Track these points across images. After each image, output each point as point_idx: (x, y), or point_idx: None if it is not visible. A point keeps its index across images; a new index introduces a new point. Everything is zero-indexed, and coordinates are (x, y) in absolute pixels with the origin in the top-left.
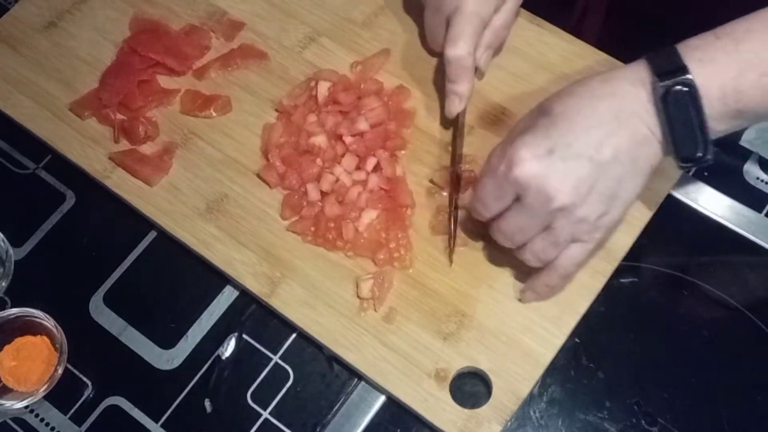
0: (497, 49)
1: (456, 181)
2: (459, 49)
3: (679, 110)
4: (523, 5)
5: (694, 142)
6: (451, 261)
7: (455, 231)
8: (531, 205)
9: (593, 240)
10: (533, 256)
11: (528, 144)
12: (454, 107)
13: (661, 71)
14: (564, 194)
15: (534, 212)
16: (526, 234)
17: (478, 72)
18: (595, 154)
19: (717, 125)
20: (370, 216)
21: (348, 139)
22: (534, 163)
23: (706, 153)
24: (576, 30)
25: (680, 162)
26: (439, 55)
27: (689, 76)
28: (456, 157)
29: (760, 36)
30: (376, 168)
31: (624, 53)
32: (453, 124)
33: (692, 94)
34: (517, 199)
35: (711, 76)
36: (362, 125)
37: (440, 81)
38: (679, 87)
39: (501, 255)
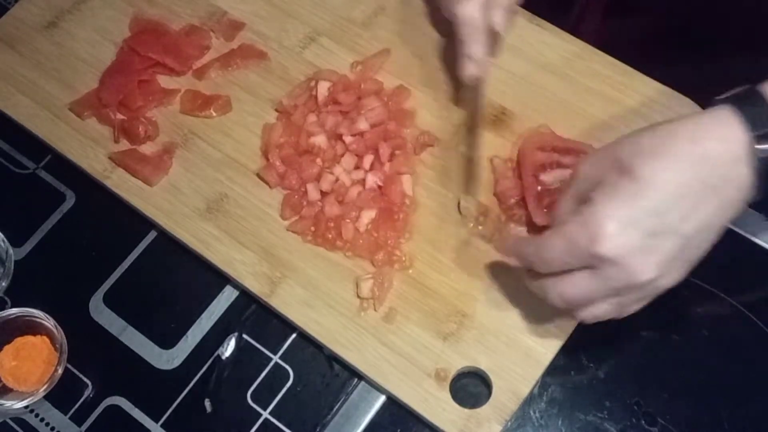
0: (513, 11)
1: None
2: (469, 6)
3: None
4: (523, 5)
5: None
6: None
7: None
8: (608, 278)
9: (653, 297)
10: (590, 316)
11: (612, 216)
12: (468, 69)
13: (759, 132)
14: (649, 272)
15: (609, 284)
16: (591, 300)
17: (495, 37)
18: (681, 226)
19: None
20: (369, 216)
21: (348, 139)
22: (620, 239)
23: None
24: (575, 30)
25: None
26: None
27: None
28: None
29: None
30: (374, 167)
31: (623, 53)
32: (470, 102)
33: None
34: (589, 266)
35: None
36: (362, 125)
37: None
38: None
39: (501, 255)
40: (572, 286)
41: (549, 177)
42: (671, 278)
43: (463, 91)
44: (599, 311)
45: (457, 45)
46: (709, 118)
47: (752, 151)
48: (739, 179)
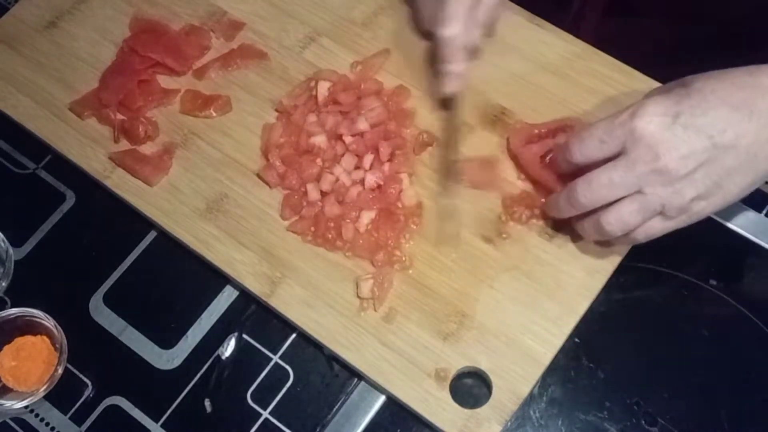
0: (491, 29)
1: (450, 167)
2: (452, 28)
3: None
4: (522, 4)
5: None
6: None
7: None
8: (635, 159)
9: (678, 221)
10: (617, 219)
11: (657, 102)
12: (450, 86)
13: None
14: (671, 158)
15: (634, 166)
16: (615, 190)
17: (474, 52)
18: (716, 134)
19: None
20: (369, 216)
21: (348, 139)
22: (656, 120)
23: None
24: (574, 29)
25: None
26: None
27: None
28: (451, 144)
29: None
30: (374, 166)
31: (622, 52)
32: (448, 111)
33: None
34: (620, 154)
35: None
36: (362, 125)
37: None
38: None
39: (501, 255)
40: (600, 173)
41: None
42: (693, 189)
43: (443, 100)
44: (624, 209)
45: (441, 63)
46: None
47: None
48: None
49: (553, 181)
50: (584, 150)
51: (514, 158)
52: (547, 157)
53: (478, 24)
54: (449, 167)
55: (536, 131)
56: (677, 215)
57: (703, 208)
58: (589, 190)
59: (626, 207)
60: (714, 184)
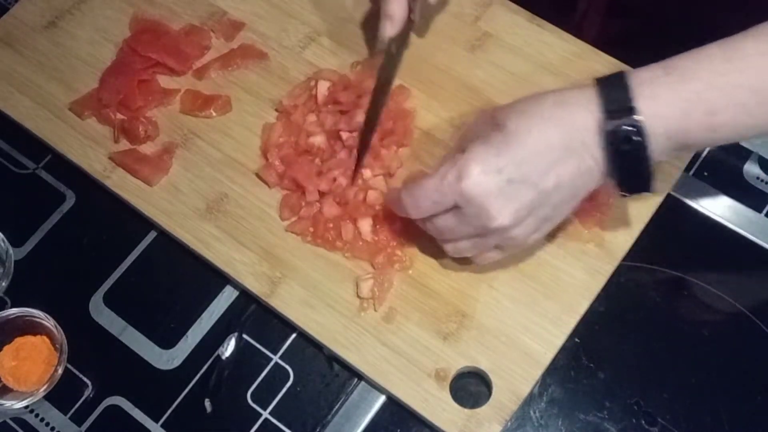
0: None
1: (370, 124)
2: None
3: (624, 148)
4: (523, 5)
5: (636, 176)
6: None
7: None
8: (470, 217)
9: (514, 249)
10: (454, 250)
11: (479, 160)
12: (387, 30)
13: (610, 108)
14: (504, 217)
15: (470, 224)
16: (455, 235)
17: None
18: (540, 181)
19: (662, 156)
20: (368, 223)
21: (345, 135)
22: (482, 179)
23: (648, 187)
24: (576, 29)
25: (620, 191)
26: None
27: (637, 118)
28: (379, 96)
29: (705, 74)
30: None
31: (624, 53)
32: (386, 60)
33: (639, 134)
34: (456, 206)
35: (658, 116)
36: (361, 118)
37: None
38: (626, 127)
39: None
40: (439, 221)
41: None
42: (526, 231)
43: (380, 50)
44: (461, 246)
45: (380, 6)
46: (577, 90)
47: (603, 125)
48: (594, 147)
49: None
50: (420, 209)
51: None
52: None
53: None
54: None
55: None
56: (513, 248)
57: (536, 239)
58: (433, 230)
59: (463, 245)
60: (544, 220)
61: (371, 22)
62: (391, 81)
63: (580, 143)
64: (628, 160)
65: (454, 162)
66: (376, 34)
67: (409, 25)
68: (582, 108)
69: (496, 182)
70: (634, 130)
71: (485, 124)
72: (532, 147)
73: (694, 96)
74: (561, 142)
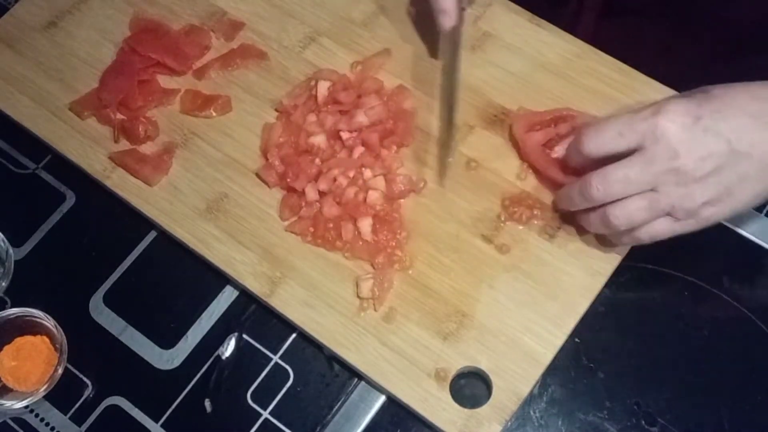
0: None
1: (449, 123)
2: None
3: None
4: (520, 3)
5: None
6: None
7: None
8: (653, 156)
9: (685, 225)
10: (624, 214)
11: (679, 103)
12: (444, 23)
13: None
14: (690, 159)
15: (651, 164)
16: (629, 187)
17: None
18: (734, 140)
19: None
20: (368, 222)
21: (345, 135)
22: (678, 120)
23: None
24: (571, 28)
25: None
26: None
27: None
28: (452, 96)
29: None
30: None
31: (620, 52)
32: (446, 62)
33: None
34: (634, 152)
35: None
36: (361, 118)
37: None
38: None
39: (501, 255)
40: (616, 168)
41: (560, 149)
42: (705, 194)
43: (442, 43)
44: (633, 205)
45: (432, 5)
46: None
47: None
48: None
49: (555, 170)
50: (600, 141)
51: (516, 145)
52: (552, 147)
53: None
54: (449, 114)
55: (539, 118)
56: (685, 218)
57: (712, 214)
58: (604, 185)
59: (635, 203)
60: (726, 189)
61: (372, 22)
62: (458, 68)
63: None
64: None
65: (651, 106)
66: (379, 32)
67: (462, 14)
68: None
69: (691, 125)
70: None
71: (691, 92)
72: (734, 108)
73: None
74: (762, 114)
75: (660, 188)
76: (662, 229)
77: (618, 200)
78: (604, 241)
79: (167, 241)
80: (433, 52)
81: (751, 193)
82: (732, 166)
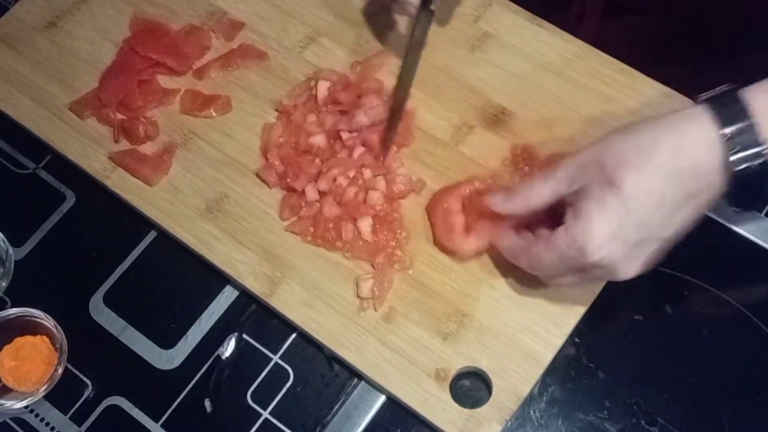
0: None
1: (398, 108)
2: None
3: (751, 177)
4: (521, 4)
5: (757, 194)
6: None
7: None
8: (594, 275)
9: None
10: (553, 282)
11: (601, 233)
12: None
13: (735, 145)
14: (631, 272)
15: (585, 271)
16: (559, 272)
17: None
18: (663, 232)
19: None
20: (368, 223)
21: (345, 135)
22: (608, 250)
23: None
24: (573, 29)
25: (731, 206)
26: None
27: (763, 149)
28: (406, 77)
29: None
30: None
31: (621, 52)
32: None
33: (763, 164)
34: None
35: None
36: (361, 118)
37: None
38: (755, 161)
39: (501, 255)
40: (547, 253)
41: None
42: (640, 267)
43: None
44: (565, 281)
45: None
46: (688, 120)
47: (729, 163)
48: (717, 182)
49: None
50: (542, 271)
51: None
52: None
53: None
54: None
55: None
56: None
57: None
58: (530, 266)
59: (568, 280)
60: (659, 253)
61: (373, 22)
62: (415, 72)
63: (705, 186)
64: (751, 184)
65: (571, 233)
66: (380, 32)
67: (430, 15)
68: (705, 150)
69: (621, 248)
70: (761, 159)
71: (593, 178)
72: (652, 205)
73: None
74: (680, 191)
75: (594, 272)
76: (601, 278)
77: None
78: None
79: (167, 241)
80: (432, 50)
81: (678, 236)
82: (667, 243)
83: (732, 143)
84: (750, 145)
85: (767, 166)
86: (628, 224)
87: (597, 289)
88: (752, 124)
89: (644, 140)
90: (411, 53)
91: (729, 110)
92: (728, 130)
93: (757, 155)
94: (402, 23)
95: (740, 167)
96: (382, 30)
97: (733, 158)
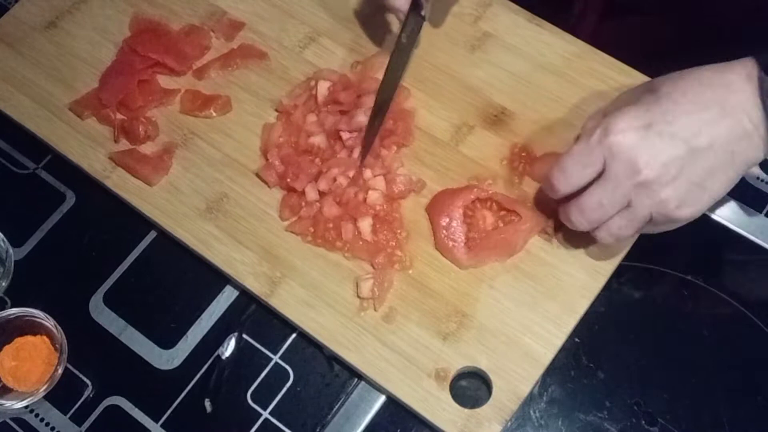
0: None
1: (381, 108)
2: None
3: None
4: (521, 4)
5: None
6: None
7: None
8: (616, 175)
9: (668, 226)
10: (609, 234)
11: (627, 115)
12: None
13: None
14: (652, 169)
15: (618, 184)
16: (606, 211)
17: None
18: (692, 138)
19: None
20: (368, 223)
21: (345, 135)
22: (630, 134)
23: None
24: (573, 29)
25: None
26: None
27: None
28: (390, 80)
29: None
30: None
31: (621, 52)
32: (395, 54)
33: None
34: (602, 173)
35: None
36: (361, 118)
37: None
38: None
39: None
40: (586, 197)
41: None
42: (677, 194)
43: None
44: (614, 225)
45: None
46: (734, 61)
47: (763, 84)
48: (753, 110)
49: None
50: (569, 179)
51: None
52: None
53: None
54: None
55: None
56: (665, 222)
57: (691, 213)
58: (582, 216)
59: (615, 223)
60: (697, 186)
61: (372, 22)
62: (400, 76)
63: (736, 105)
64: None
65: (602, 122)
66: (379, 32)
67: (420, 21)
68: (740, 72)
69: (644, 135)
70: None
71: (637, 92)
72: (685, 106)
73: None
74: (716, 103)
75: (634, 203)
76: (648, 231)
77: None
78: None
79: (167, 241)
80: (432, 50)
81: (724, 181)
82: (696, 164)
83: (765, 64)
84: None
85: None
86: (654, 115)
87: (596, 288)
88: None
89: (690, 68)
90: (396, 56)
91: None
92: (763, 58)
93: None
94: (396, 24)
95: None
96: (382, 30)
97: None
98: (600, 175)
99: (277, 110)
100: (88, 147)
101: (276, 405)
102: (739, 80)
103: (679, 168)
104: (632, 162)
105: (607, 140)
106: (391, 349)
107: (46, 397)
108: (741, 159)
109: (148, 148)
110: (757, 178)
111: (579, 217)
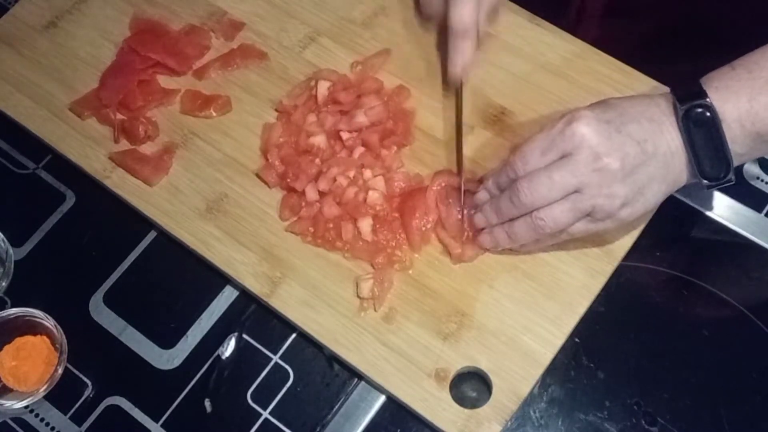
0: (494, 15)
1: (461, 187)
2: (464, 10)
3: (699, 129)
4: (521, 4)
5: (715, 160)
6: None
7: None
8: (576, 161)
9: (601, 225)
10: (550, 216)
11: (589, 109)
12: (458, 72)
13: (683, 96)
14: (613, 159)
15: (575, 168)
16: (554, 190)
17: (479, 41)
18: (642, 142)
19: (738, 148)
20: (368, 223)
21: (345, 135)
22: (594, 124)
23: (728, 173)
24: (573, 29)
25: (704, 181)
26: (430, 19)
27: (707, 100)
28: (459, 159)
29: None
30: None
31: (621, 52)
32: (456, 118)
33: (710, 114)
34: (561, 159)
35: (726, 100)
36: (361, 118)
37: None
38: (698, 109)
39: (501, 255)
40: (539, 177)
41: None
42: (626, 192)
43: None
44: (556, 210)
45: (450, 49)
46: (651, 95)
47: (678, 111)
48: (676, 136)
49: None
50: (528, 164)
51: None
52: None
53: (483, 9)
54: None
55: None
56: (603, 219)
57: (628, 215)
58: (530, 188)
59: (560, 205)
60: (639, 190)
61: (372, 22)
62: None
63: (668, 125)
64: (703, 141)
65: (561, 119)
66: (379, 32)
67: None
68: (660, 105)
69: (606, 128)
70: (706, 111)
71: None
72: (634, 115)
73: (759, 82)
74: (655, 120)
75: (584, 190)
76: (581, 229)
77: (544, 206)
78: (602, 242)
79: (167, 241)
80: (433, 52)
81: (658, 192)
82: (645, 166)
83: (680, 93)
84: (692, 94)
85: (716, 127)
86: (613, 113)
87: (596, 288)
88: (698, 85)
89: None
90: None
91: (682, 82)
92: (678, 90)
93: (701, 108)
94: (399, 23)
95: (686, 110)
96: (382, 30)
97: (681, 107)
98: (563, 158)
99: (277, 110)
100: (88, 147)
101: (276, 405)
102: (662, 113)
103: (633, 166)
104: (594, 149)
105: (570, 128)
106: (391, 350)
107: (46, 397)
108: (672, 175)
109: (148, 148)
110: (757, 178)
111: (527, 189)
